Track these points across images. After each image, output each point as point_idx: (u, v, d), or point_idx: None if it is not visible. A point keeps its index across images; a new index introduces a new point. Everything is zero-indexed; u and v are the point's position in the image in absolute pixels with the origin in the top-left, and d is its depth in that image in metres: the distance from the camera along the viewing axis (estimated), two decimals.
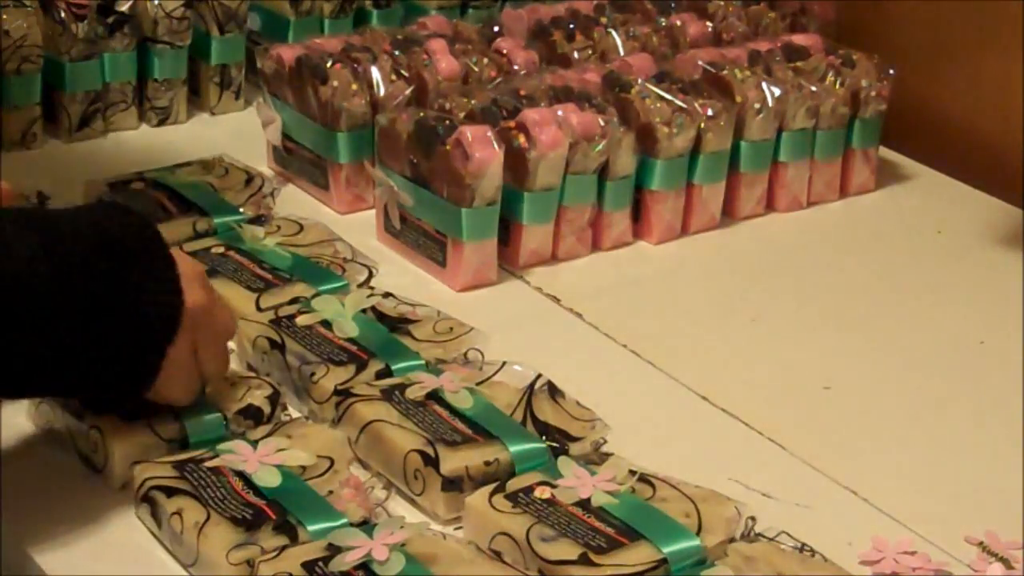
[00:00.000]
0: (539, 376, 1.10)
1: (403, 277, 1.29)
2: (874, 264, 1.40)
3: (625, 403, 1.14)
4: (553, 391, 1.09)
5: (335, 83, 1.37)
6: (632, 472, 1.01)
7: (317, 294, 1.20)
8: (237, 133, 1.52)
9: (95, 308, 0.94)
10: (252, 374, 1.11)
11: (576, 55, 1.49)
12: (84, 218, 0.97)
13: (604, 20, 1.53)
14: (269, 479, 0.98)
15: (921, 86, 1.61)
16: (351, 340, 1.13)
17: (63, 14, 1.45)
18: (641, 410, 1.15)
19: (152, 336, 0.97)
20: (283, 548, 0.93)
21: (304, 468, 1.00)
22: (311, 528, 0.95)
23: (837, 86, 1.46)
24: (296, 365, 1.11)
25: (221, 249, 1.25)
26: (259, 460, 0.99)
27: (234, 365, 1.13)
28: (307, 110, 1.40)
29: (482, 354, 1.14)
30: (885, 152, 1.55)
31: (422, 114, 1.30)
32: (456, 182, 1.26)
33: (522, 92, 1.35)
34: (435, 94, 1.37)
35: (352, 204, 1.41)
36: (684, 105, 1.36)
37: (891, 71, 1.48)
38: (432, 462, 1.00)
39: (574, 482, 0.99)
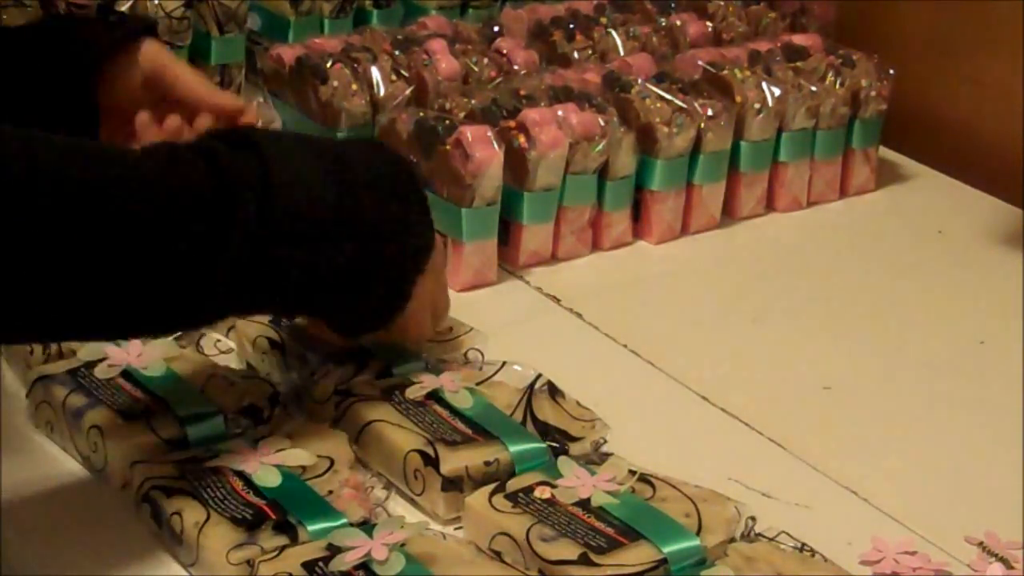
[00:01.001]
0: (539, 376, 1.10)
1: None
2: (874, 264, 1.40)
3: (625, 403, 1.14)
4: (553, 391, 1.09)
5: (335, 83, 1.37)
6: (632, 472, 1.01)
7: None
8: None
9: (368, 234, 0.99)
10: (252, 374, 1.11)
11: (576, 55, 1.49)
12: (355, 154, 1.02)
13: (604, 20, 1.53)
14: (269, 479, 0.98)
15: (921, 86, 1.61)
16: None
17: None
18: (641, 410, 1.15)
19: (413, 264, 1.03)
20: (283, 548, 0.93)
21: (304, 468, 1.00)
22: (311, 528, 0.95)
23: (837, 86, 1.46)
24: (296, 365, 1.11)
25: None
26: (259, 460, 0.99)
27: (234, 365, 1.13)
28: (307, 110, 1.40)
29: (482, 354, 1.14)
30: (885, 152, 1.55)
31: (422, 114, 1.30)
32: (456, 182, 1.26)
33: (522, 92, 1.34)
34: (435, 94, 1.37)
35: None
36: (684, 105, 1.36)
37: (891, 71, 1.48)
38: (432, 462, 1.00)
39: (574, 482, 0.99)
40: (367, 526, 0.95)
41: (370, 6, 1.63)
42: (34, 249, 0.86)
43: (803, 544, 0.98)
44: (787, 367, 1.23)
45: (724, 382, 1.19)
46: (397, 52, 1.42)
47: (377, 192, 1.01)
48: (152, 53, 1.13)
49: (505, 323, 1.22)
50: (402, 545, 0.92)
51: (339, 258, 0.97)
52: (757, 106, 1.41)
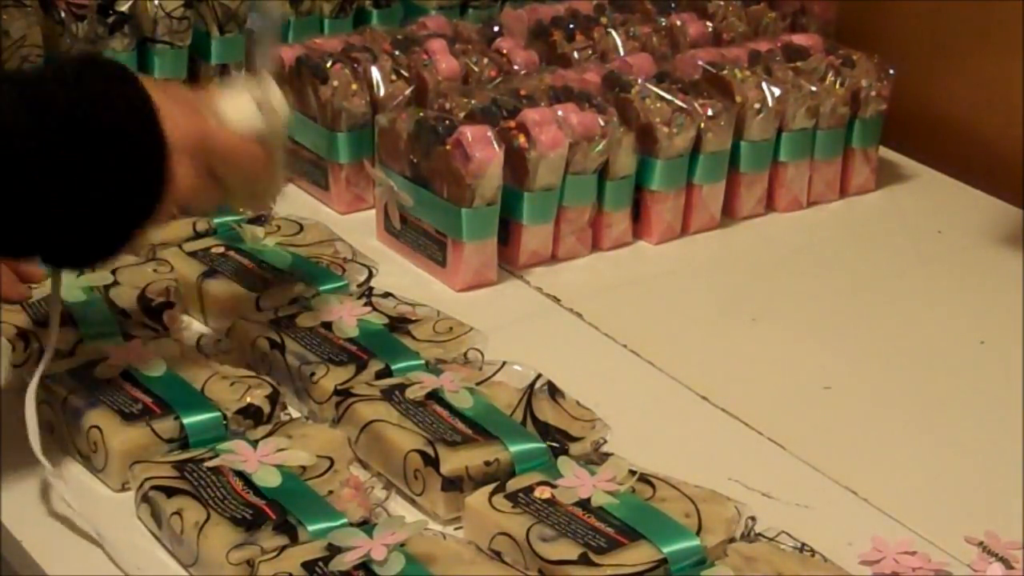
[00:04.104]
0: (539, 376, 1.10)
1: (403, 277, 1.29)
2: (874, 264, 1.40)
3: (625, 403, 1.14)
4: (553, 391, 1.09)
5: (335, 83, 1.37)
6: (632, 472, 1.01)
7: (317, 294, 1.20)
8: None
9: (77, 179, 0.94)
10: (252, 374, 1.11)
11: (576, 55, 1.49)
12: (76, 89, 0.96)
13: (604, 20, 1.53)
14: (269, 479, 0.98)
15: (921, 86, 1.61)
16: (351, 340, 1.13)
17: (63, 14, 1.45)
18: (641, 410, 1.15)
19: (127, 218, 0.98)
20: (283, 548, 0.93)
21: (304, 468, 1.00)
22: (311, 528, 0.95)
23: (837, 86, 1.46)
24: (296, 365, 1.11)
25: (221, 249, 1.25)
26: (259, 460, 0.99)
27: (234, 365, 1.13)
28: (307, 110, 1.40)
29: (482, 354, 1.14)
30: (885, 152, 1.55)
31: (422, 114, 1.30)
32: (456, 182, 1.26)
33: (522, 92, 1.35)
34: (435, 94, 1.37)
35: (352, 204, 1.41)
36: (684, 105, 1.36)
37: (891, 71, 1.48)
38: (432, 462, 1.00)
39: (574, 482, 0.99)
40: (367, 526, 0.95)
41: (370, 6, 1.63)
42: None
43: (803, 544, 0.98)
44: (787, 367, 1.23)
45: (724, 382, 1.19)
46: (397, 52, 1.42)
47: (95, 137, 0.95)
48: None
49: (505, 323, 1.22)
50: (402, 545, 0.92)
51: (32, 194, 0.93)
52: (757, 106, 1.41)
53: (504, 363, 1.11)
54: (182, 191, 0.99)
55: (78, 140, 0.94)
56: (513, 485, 0.99)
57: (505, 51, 1.46)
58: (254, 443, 1.01)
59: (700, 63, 1.43)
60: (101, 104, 0.96)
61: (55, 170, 0.94)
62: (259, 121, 1.06)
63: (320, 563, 0.92)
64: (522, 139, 1.29)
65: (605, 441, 1.06)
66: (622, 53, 1.49)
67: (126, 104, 0.97)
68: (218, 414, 1.05)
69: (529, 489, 0.99)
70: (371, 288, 1.23)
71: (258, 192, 1.11)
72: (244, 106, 1.06)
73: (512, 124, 1.30)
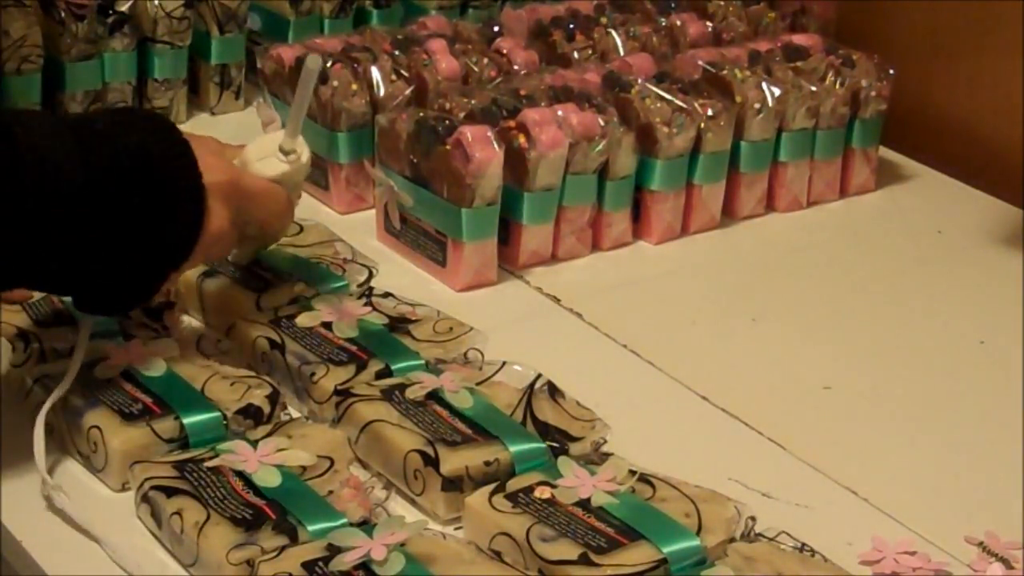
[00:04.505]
0: (539, 376, 1.10)
1: (403, 277, 1.29)
2: (874, 264, 1.40)
3: (625, 403, 1.14)
4: (553, 391, 1.09)
5: (335, 83, 1.37)
6: (632, 472, 1.01)
7: (317, 294, 1.20)
8: (237, 133, 1.51)
9: (114, 223, 0.99)
10: (252, 374, 1.11)
11: (576, 55, 1.49)
12: (123, 136, 1.01)
13: (604, 20, 1.53)
14: (269, 479, 0.98)
15: (921, 86, 1.61)
16: (351, 340, 1.13)
17: (63, 14, 1.45)
18: (641, 410, 1.15)
19: (164, 260, 1.04)
20: (283, 548, 0.93)
21: (304, 468, 1.00)
22: (311, 528, 0.95)
23: (837, 86, 1.46)
24: (296, 365, 1.11)
25: None
26: (259, 460, 0.99)
27: (234, 365, 1.13)
28: (307, 110, 1.40)
29: (482, 354, 1.14)
30: (885, 152, 1.55)
31: (422, 114, 1.30)
32: (456, 182, 1.26)
33: (522, 92, 1.34)
34: (435, 94, 1.37)
35: (352, 204, 1.41)
36: (684, 105, 1.36)
37: (891, 71, 1.48)
38: (432, 462, 1.00)
39: (574, 482, 0.99)
40: (367, 526, 0.95)
41: (370, 6, 1.63)
42: None
43: (803, 544, 0.98)
44: (787, 367, 1.23)
45: (724, 382, 1.19)
46: (397, 52, 1.42)
47: (131, 180, 1.00)
48: None
49: (505, 323, 1.23)
50: (402, 545, 0.92)
51: (82, 241, 0.98)
52: (757, 106, 1.41)
53: (504, 363, 1.11)
54: (213, 233, 1.04)
55: (124, 185, 0.99)
56: (513, 485, 0.99)
57: (505, 51, 1.46)
58: (254, 443, 1.01)
59: (700, 63, 1.43)
60: (145, 151, 1.01)
61: (102, 213, 0.98)
62: (283, 167, 1.13)
63: (320, 563, 0.92)
64: (522, 139, 1.29)
65: (605, 441, 1.06)
66: (622, 53, 1.49)
67: (168, 151, 1.02)
68: (218, 414, 1.05)
69: (529, 489, 0.99)
70: (371, 288, 1.23)
71: (275, 233, 1.18)
72: (271, 151, 1.13)
73: (512, 124, 1.30)
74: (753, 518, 0.99)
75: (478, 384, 1.09)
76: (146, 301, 1.07)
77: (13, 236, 0.95)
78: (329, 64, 1.38)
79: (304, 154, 1.15)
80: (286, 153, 1.13)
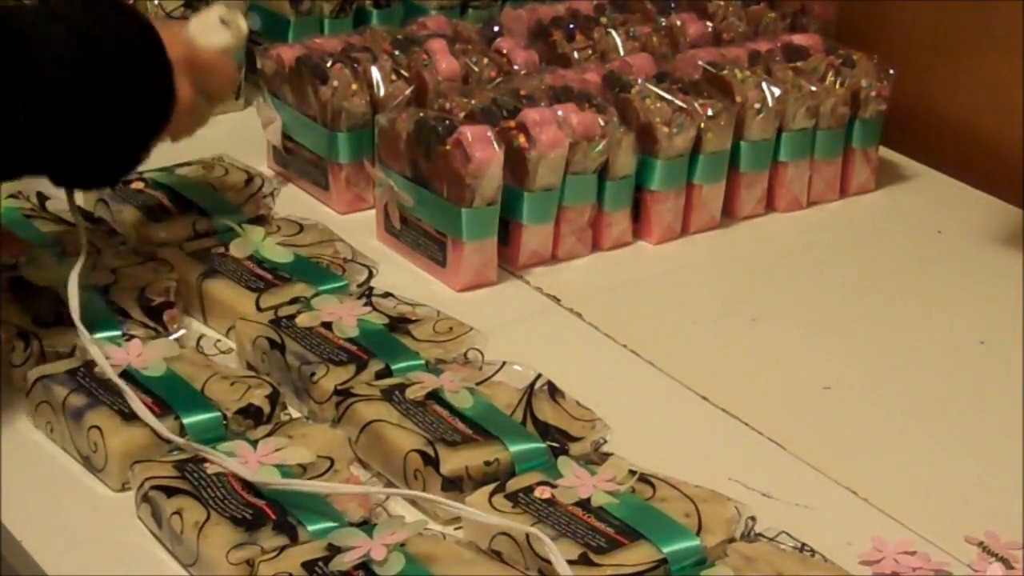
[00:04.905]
0: (539, 376, 1.10)
1: (403, 277, 1.29)
2: (874, 264, 1.40)
3: (625, 403, 1.14)
4: (553, 391, 1.09)
5: (335, 83, 1.37)
6: (632, 472, 1.01)
7: (317, 294, 1.20)
8: (237, 133, 1.51)
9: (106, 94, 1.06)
10: (252, 374, 1.11)
11: (576, 55, 1.49)
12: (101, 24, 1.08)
13: (604, 20, 1.53)
14: (269, 479, 0.98)
15: (921, 86, 1.61)
16: (351, 340, 1.13)
17: None
18: (641, 410, 1.15)
19: (146, 128, 1.11)
20: (283, 548, 0.94)
21: (304, 468, 1.00)
22: (311, 528, 0.95)
23: (837, 86, 1.46)
24: (296, 365, 1.11)
25: (221, 249, 1.25)
26: (259, 460, 0.99)
27: (234, 365, 1.13)
28: (307, 110, 1.40)
29: (482, 354, 1.14)
30: (885, 152, 1.55)
31: (422, 114, 1.30)
32: (456, 182, 1.26)
33: (522, 92, 1.34)
34: (435, 94, 1.37)
35: (352, 204, 1.41)
36: (684, 105, 1.36)
37: (891, 71, 1.48)
38: (432, 462, 1.00)
39: (574, 482, 0.99)
40: (367, 526, 0.95)
41: (370, 6, 1.63)
42: None
43: (803, 544, 0.98)
44: (787, 367, 1.23)
45: (724, 382, 1.19)
46: (397, 52, 1.42)
47: (117, 56, 1.07)
48: None
49: (505, 323, 1.23)
50: (402, 545, 0.92)
51: (75, 117, 1.04)
52: (757, 106, 1.41)
53: (504, 363, 1.11)
54: (184, 105, 1.12)
55: (99, 61, 1.05)
56: (513, 485, 0.99)
57: (505, 51, 1.46)
58: (254, 443, 1.01)
59: (700, 63, 1.43)
60: (115, 30, 1.08)
61: (90, 88, 1.04)
62: (227, 37, 1.19)
63: (320, 563, 0.92)
64: (522, 139, 1.29)
65: (605, 441, 1.06)
66: (622, 53, 1.49)
67: (136, 29, 1.09)
68: (218, 414, 1.05)
69: (529, 489, 0.99)
70: (371, 288, 1.23)
71: (220, 103, 1.26)
72: (213, 24, 1.19)
73: (512, 124, 1.30)
74: (753, 518, 0.99)
75: (478, 384, 1.09)
76: (132, 170, 1.14)
77: (17, 115, 1.01)
78: (329, 64, 1.38)
79: (243, 24, 1.21)
80: (226, 24, 1.19)
